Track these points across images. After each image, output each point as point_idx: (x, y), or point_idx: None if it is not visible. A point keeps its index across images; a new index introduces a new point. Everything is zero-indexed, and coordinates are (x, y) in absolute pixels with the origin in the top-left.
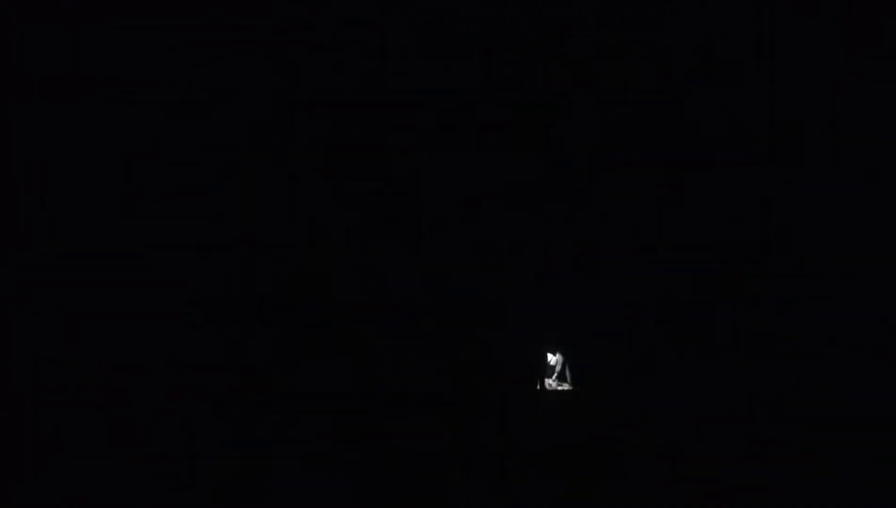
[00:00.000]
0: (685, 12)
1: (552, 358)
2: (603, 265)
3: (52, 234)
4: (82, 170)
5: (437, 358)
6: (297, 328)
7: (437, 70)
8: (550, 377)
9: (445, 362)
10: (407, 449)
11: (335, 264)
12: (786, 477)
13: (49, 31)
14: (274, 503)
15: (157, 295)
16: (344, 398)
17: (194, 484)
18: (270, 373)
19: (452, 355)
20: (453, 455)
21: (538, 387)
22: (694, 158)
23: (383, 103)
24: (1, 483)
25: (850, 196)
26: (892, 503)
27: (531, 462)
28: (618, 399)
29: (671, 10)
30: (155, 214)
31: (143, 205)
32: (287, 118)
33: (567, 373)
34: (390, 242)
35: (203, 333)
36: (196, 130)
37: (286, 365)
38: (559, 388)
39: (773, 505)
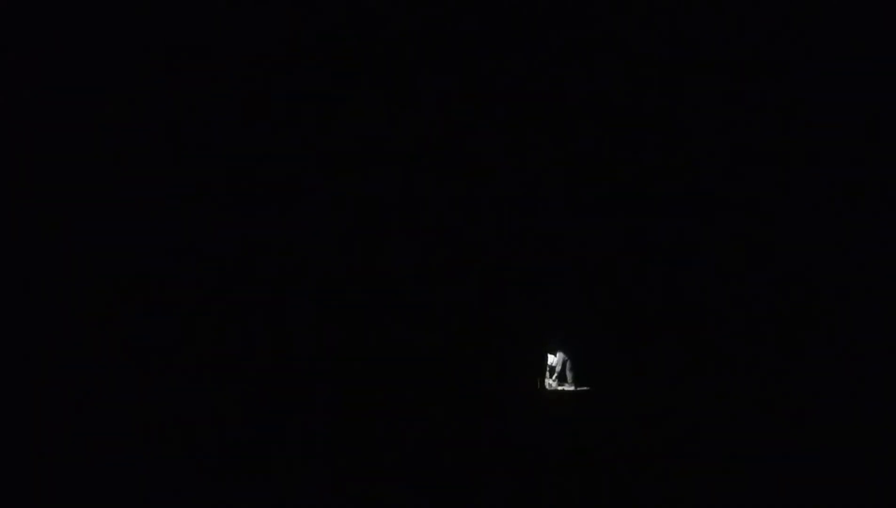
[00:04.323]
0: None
1: (552, 358)
2: (603, 266)
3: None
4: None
5: (437, 358)
6: (296, 328)
7: (436, 70)
8: (550, 377)
9: (446, 362)
10: (407, 449)
11: (335, 264)
12: (787, 477)
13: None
14: (274, 503)
15: (157, 294)
16: (343, 397)
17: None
18: (270, 372)
19: (453, 354)
20: (453, 455)
21: (538, 387)
22: (695, 158)
23: (382, 103)
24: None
25: (849, 198)
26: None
27: (531, 461)
28: (618, 399)
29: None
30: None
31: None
32: (285, 119)
33: (567, 373)
34: (390, 241)
35: (201, 333)
36: (193, 130)
37: (286, 365)
38: (559, 388)
39: (774, 505)
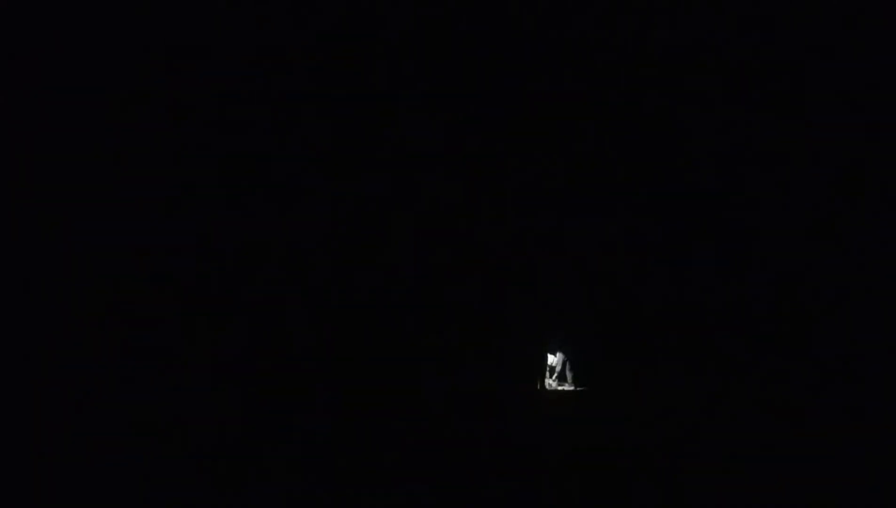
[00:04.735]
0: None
1: (552, 358)
2: (603, 266)
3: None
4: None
5: (437, 358)
6: (296, 328)
7: (433, 71)
8: (550, 377)
9: (446, 362)
10: (407, 449)
11: (335, 264)
12: (788, 477)
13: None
14: (273, 503)
15: (155, 295)
16: (343, 397)
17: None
18: (269, 372)
19: (453, 354)
20: (453, 455)
21: (538, 387)
22: (695, 158)
23: (380, 103)
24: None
25: (849, 198)
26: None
27: (531, 462)
28: (618, 399)
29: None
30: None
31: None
32: (284, 118)
33: (567, 373)
34: (390, 241)
35: (200, 333)
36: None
37: (285, 365)
38: (559, 388)
39: (775, 505)
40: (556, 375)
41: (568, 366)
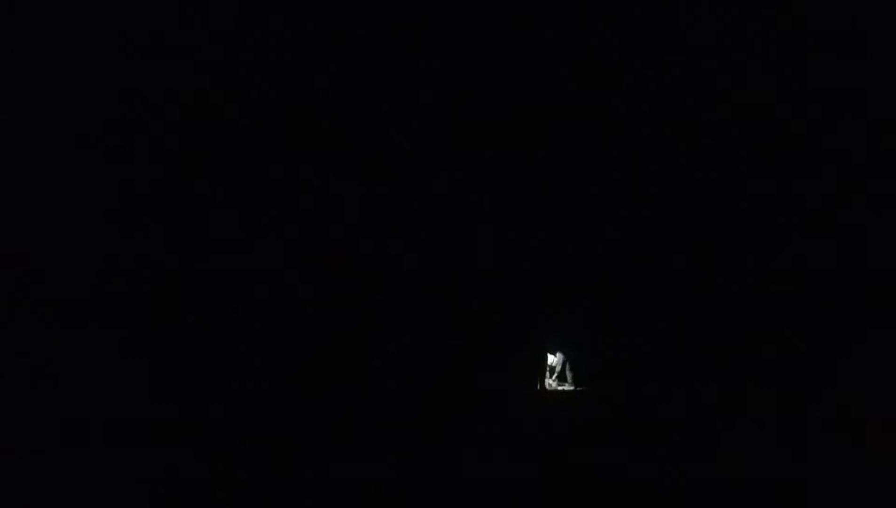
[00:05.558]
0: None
1: (552, 358)
2: (603, 265)
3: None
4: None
5: (437, 358)
6: (295, 329)
7: (432, 70)
8: (551, 377)
9: (446, 361)
10: (406, 449)
11: (334, 264)
12: (788, 477)
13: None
14: (271, 503)
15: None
16: (343, 397)
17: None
18: (269, 372)
19: (453, 354)
20: (453, 456)
21: (538, 387)
22: (692, 156)
23: (379, 102)
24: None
25: (847, 196)
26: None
27: (531, 462)
28: (618, 399)
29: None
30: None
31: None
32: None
33: (567, 373)
34: (390, 241)
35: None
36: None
37: (285, 365)
38: (559, 388)
39: (775, 505)
40: (556, 375)
41: (568, 366)
